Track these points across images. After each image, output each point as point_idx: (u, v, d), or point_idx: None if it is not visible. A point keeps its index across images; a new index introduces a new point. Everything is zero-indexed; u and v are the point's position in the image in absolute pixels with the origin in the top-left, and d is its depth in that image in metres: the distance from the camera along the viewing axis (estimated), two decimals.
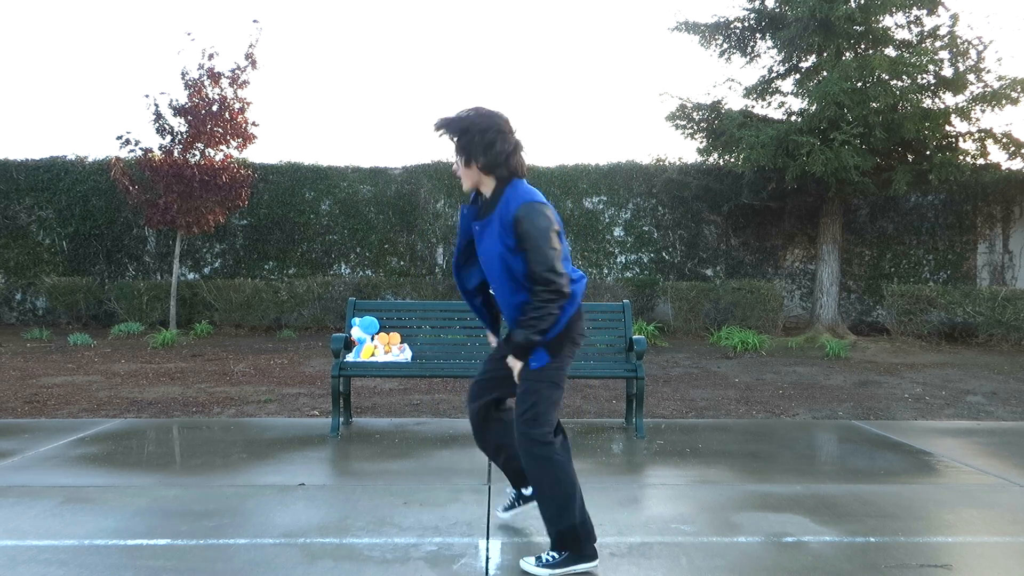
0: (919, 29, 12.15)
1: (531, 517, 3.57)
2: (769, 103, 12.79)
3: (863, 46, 12.15)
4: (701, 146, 12.67)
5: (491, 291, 3.29)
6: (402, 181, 14.50)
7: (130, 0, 36.76)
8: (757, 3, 12.64)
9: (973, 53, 11.44)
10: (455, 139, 3.00)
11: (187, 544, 3.24)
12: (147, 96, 13.21)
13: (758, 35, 13.02)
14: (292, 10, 37.58)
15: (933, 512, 3.75)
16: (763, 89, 12.65)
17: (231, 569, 2.99)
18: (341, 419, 5.50)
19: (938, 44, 11.65)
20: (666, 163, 14.31)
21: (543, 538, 3.33)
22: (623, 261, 14.43)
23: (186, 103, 12.00)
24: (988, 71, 11.44)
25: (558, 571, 2.93)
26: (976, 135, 11.79)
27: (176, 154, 12.07)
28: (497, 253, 2.97)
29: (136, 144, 12.07)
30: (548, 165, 14.54)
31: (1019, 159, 11.81)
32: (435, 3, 36.60)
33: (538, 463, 2.98)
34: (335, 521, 3.53)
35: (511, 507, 3.52)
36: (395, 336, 5.67)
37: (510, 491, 3.60)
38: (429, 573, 2.96)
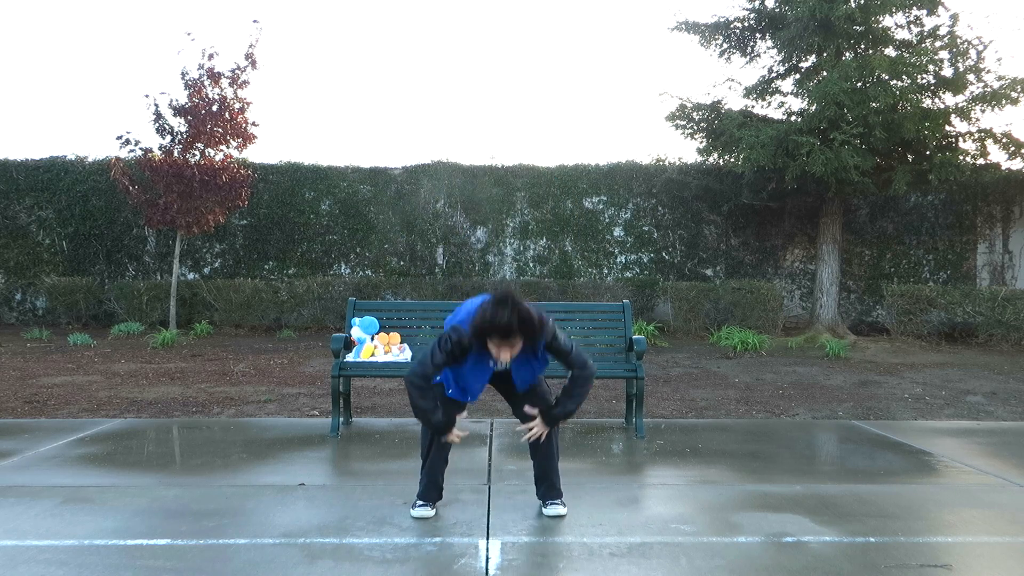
0: (919, 29, 12.14)
1: (531, 517, 3.57)
2: (769, 103, 12.78)
3: (863, 46, 12.14)
4: (701, 146, 12.66)
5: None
6: (402, 181, 14.49)
7: (130, 0, 36.77)
8: (757, 3, 12.64)
9: (973, 53, 11.43)
10: (523, 336, 3.30)
11: (187, 544, 3.24)
12: (147, 96, 13.20)
13: (758, 35, 13.02)
14: (292, 10, 37.59)
15: (933, 512, 3.75)
16: (763, 89, 12.64)
17: (231, 569, 2.99)
18: (341, 419, 5.49)
19: (938, 44, 11.64)
20: (666, 163, 14.29)
21: (543, 538, 3.33)
22: (623, 261, 14.42)
23: (186, 103, 11.99)
24: (988, 71, 11.42)
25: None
26: (976, 135, 11.77)
27: (176, 154, 12.06)
28: (535, 367, 3.56)
29: (136, 144, 12.05)
30: (548, 165, 14.54)
31: (1019, 159, 11.80)
32: (435, 3, 36.63)
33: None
34: (335, 521, 3.53)
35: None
36: (395, 336, 5.67)
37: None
38: (429, 573, 2.96)
